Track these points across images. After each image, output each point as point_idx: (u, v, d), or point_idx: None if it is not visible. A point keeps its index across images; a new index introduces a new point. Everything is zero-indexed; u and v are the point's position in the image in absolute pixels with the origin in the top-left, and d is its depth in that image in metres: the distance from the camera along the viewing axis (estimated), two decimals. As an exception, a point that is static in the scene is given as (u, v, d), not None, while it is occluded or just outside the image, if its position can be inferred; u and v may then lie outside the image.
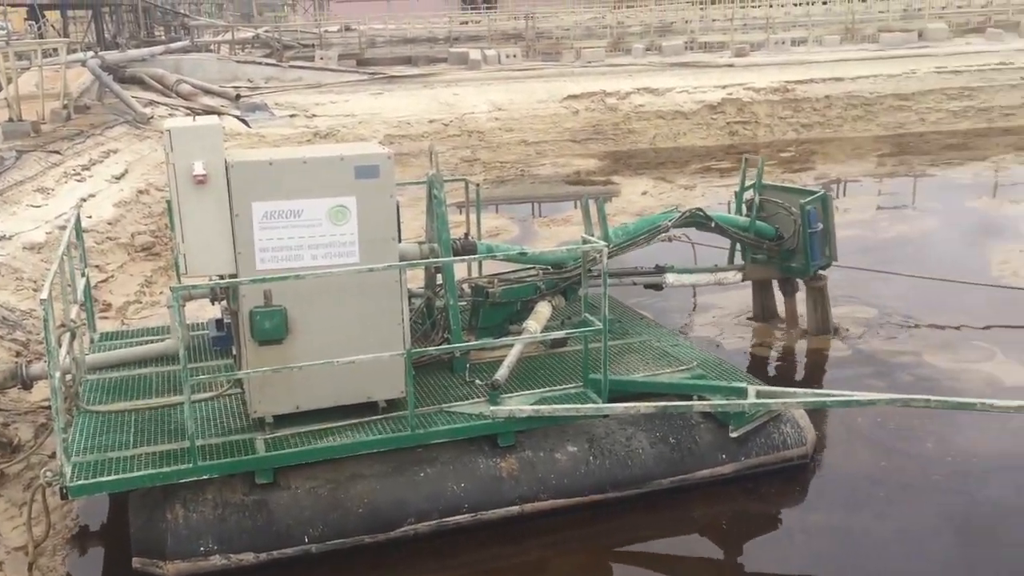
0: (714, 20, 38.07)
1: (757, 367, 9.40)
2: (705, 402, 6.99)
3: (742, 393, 6.98)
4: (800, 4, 41.20)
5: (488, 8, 49.07)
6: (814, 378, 9.27)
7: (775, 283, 10.20)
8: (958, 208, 15.97)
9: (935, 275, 11.42)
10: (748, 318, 10.48)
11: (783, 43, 32.08)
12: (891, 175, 19.37)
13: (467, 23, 41.67)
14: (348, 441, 6.36)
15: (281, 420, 6.51)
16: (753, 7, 41.66)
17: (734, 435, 7.05)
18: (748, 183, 9.72)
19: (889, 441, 7.74)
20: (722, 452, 7.05)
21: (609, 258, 8.45)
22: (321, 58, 32.47)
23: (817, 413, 7.75)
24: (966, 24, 35.35)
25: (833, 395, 7.16)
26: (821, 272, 9.58)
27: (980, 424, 7.81)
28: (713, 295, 10.99)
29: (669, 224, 8.82)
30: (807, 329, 9.99)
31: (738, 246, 9.62)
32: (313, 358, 6.24)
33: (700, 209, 9.13)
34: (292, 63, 31.42)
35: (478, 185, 9.13)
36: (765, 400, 6.95)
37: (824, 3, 41.57)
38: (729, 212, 11.11)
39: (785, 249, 9.45)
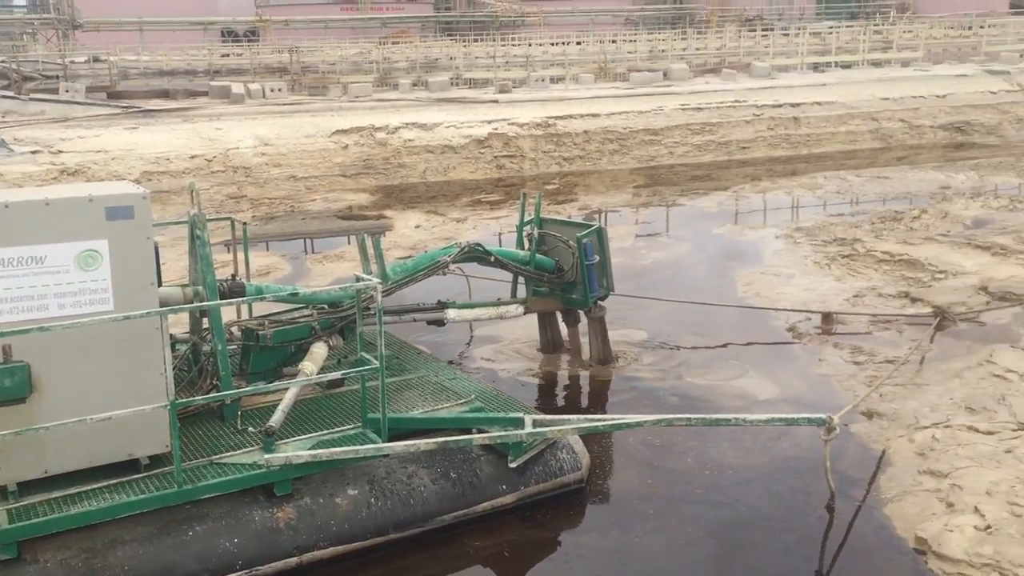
0: (477, 57, 39.13)
1: (544, 397, 9.64)
2: (484, 434, 7.05)
3: (519, 423, 7.11)
4: (556, 44, 43.20)
5: (250, 41, 47.80)
6: (596, 404, 9.61)
7: (559, 314, 10.50)
8: (706, 235, 17.20)
9: (692, 298, 12.23)
10: (538, 349, 10.72)
11: (543, 80, 33.43)
12: (646, 205, 20.60)
13: (228, 55, 40.36)
14: (106, 504, 5.89)
15: (27, 487, 5.94)
16: (514, 45, 43.21)
17: (513, 465, 7.16)
18: (527, 218, 9.97)
19: (656, 459, 8.14)
20: (502, 483, 7.13)
21: (387, 295, 8.43)
22: (67, 90, 30.32)
23: (591, 438, 8.02)
24: (704, 65, 38.43)
25: (605, 419, 7.47)
26: (600, 303, 9.95)
27: (734, 437, 8.39)
28: (502, 327, 11.15)
29: (448, 260, 8.90)
30: (590, 358, 10.35)
31: (521, 279, 9.83)
32: (63, 416, 5.73)
33: (479, 244, 9.27)
34: (33, 95, 29.14)
35: (245, 223, 8.82)
36: (541, 429, 7.12)
37: (578, 43, 43.82)
38: (501, 245, 11.38)
39: (565, 281, 9.76)
